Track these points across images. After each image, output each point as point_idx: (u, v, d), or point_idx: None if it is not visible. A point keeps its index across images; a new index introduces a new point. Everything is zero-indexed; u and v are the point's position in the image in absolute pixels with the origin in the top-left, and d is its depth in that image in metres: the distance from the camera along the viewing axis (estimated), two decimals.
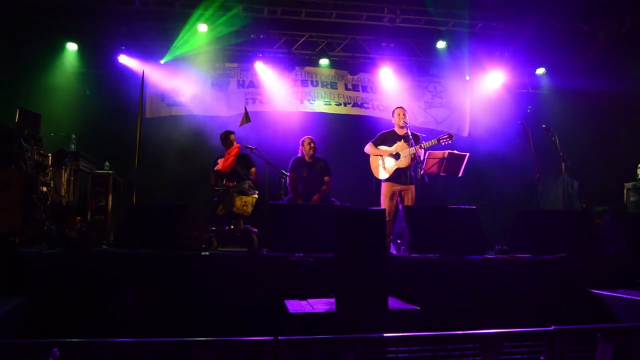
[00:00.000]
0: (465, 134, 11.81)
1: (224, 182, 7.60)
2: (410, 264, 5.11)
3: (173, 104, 10.87)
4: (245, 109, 8.55)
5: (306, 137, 8.55)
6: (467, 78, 11.82)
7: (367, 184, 8.47)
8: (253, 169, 8.08)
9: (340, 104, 11.44)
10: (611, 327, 3.21)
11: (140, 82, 8.90)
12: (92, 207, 7.78)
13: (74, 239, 5.88)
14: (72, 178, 7.52)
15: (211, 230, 7.32)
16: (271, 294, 4.52)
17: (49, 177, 6.95)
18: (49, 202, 6.72)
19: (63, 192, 7.31)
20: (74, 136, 8.13)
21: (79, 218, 7.12)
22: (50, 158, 7.01)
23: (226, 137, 8.14)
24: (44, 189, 6.65)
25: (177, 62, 10.72)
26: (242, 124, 8.15)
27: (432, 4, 10.17)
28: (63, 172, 7.37)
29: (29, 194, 5.72)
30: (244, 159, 8.08)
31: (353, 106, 11.50)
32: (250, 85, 11.24)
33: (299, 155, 8.50)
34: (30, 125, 6.62)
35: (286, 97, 11.26)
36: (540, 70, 11.71)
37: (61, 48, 10.39)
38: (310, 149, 8.38)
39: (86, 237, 5.94)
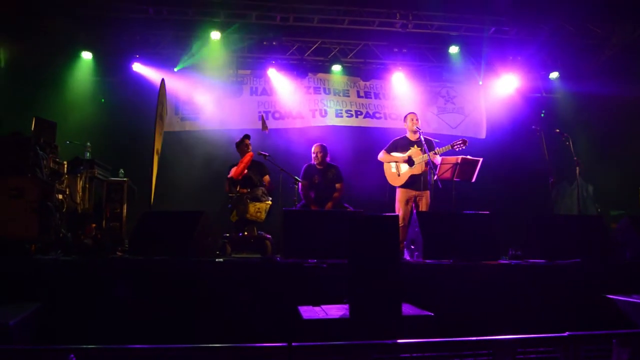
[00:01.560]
0: (483, 136, 11.78)
1: (238, 189, 7.63)
2: (424, 270, 5.09)
3: (186, 118, 10.90)
4: (262, 117, 8.61)
5: (317, 144, 8.58)
6: (480, 83, 11.79)
7: (380, 190, 8.48)
8: (267, 177, 8.09)
9: (351, 115, 11.42)
10: (627, 333, 3.20)
11: (153, 90, 8.99)
12: (107, 215, 7.83)
13: (89, 245, 5.92)
14: (87, 185, 7.59)
15: (225, 237, 7.35)
16: (285, 300, 4.53)
17: (65, 184, 7.02)
18: (64, 210, 6.79)
19: (78, 200, 7.38)
20: (89, 144, 8.19)
21: (94, 225, 7.18)
22: (65, 166, 7.08)
23: (241, 141, 8.16)
24: (60, 196, 6.72)
25: (190, 69, 10.79)
26: (263, 128, 8.22)
27: (444, 9, 10.19)
28: (78, 179, 7.44)
29: (45, 202, 5.77)
30: (258, 167, 8.10)
31: (365, 117, 11.46)
32: (263, 93, 11.27)
33: (312, 162, 8.54)
34: (46, 134, 6.69)
35: (299, 108, 11.28)
36: (554, 75, 11.62)
37: (76, 57, 10.48)
38: (322, 155, 8.40)
39: (101, 244, 5.98)
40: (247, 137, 8.20)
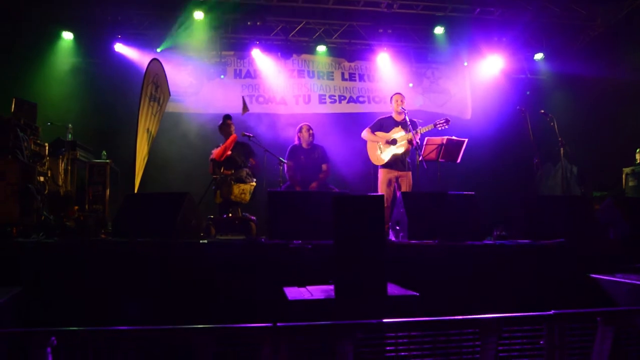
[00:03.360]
0: (468, 116, 11.83)
1: (222, 170, 7.58)
2: (409, 250, 5.10)
3: (169, 100, 10.74)
4: (243, 98, 8.53)
5: (304, 124, 8.56)
6: (465, 64, 11.80)
7: (365, 171, 8.47)
8: (252, 160, 7.99)
9: (335, 101, 11.45)
10: (611, 311, 3.21)
11: (136, 70, 8.89)
12: (90, 197, 7.76)
13: (71, 228, 5.87)
14: (69, 167, 7.51)
15: (209, 219, 7.31)
16: (270, 281, 4.51)
17: (46, 166, 6.93)
18: (46, 192, 6.70)
19: (60, 182, 7.30)
20: (70, 125, 8.09)
21: (76, 207, 7.10)
22: (47, 148, 6.99)
23: (223, 122, 8.08)
24: (41, 178, 6.63)
25: (172, 50, 10.66)
26: (244, 112, 8.15)
27: None
28: (60, 161, 7.36)
29: (26, 184, 5.70)
30: (242, 148, 8.02)
31: (348, 102, 11.51)
32: (247, 76, 11.22)
33: (296, 143, 8.49)
34: (26, 115, 6.58)
35: (283, 93, 11.29)
36: (539, 56, 11.67)
37: (57, 37, 10.31)
38: (309, 135, 8.39)
39: (84, 226, 5.92)
40: (227, 117, 8.11)
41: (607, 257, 5.24)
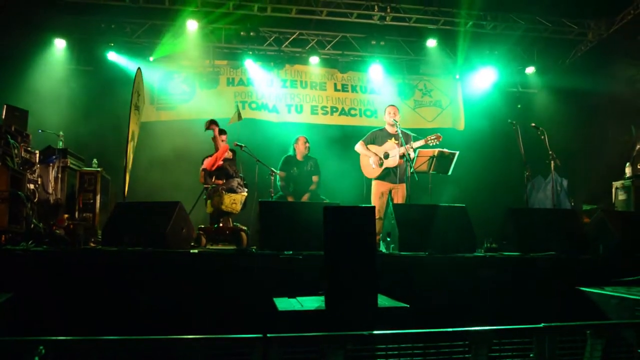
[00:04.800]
0: (462, 127, 11.86)
1: (214, 180, 7.56)
2: (400, 262, 5.10)
3: (162, 108, 10.76)
4: (237, 106, 8.51)
5: (301, 136, 8.59)
6: (457, 77, 11.87)
7: (357, 182, 8.48)
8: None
9: (327, 112, 11.46)
10: (600, 324, 3.22)
11: (129, 79, 8.87)
12: (80, 205, 7.73)
13: (61, 236, 5.84)
14: (59, 175, 7.47)
15: (200, 229, 7.28)
16: (260, 291, 4.50)
17: (37, 174, 6.91)
18: (36, 200, 6.68)
19: (51, 190, 7.26)
20: (61, 133, 8.06)
21: (66, 215, 7.07)
22: (37, 155, 6.96)
23: (215, 135, 7.98)
24: (32, 186, 6.61)
25: (166, 59, 10.66)
26: (231, 121, 8.12)
27: (422, 2, 10.21)
28: (51, 169, 7.33)
29: (16, 191, 5.67)
30: (232, 158, 7.99)
31: (340, 114, 11.50)
32: (240, 83, 11.20)
33: (291, 153, 8.52)
34: (17, 122, 6.57)
35: (275, 102, 11.28)
36: (530, 69, 11.73)
37: (49, 44, 10.27)
38: (305, 148, 8.46)
39: (74, 234, 5.89)
40: (222, 132, 8.01)
41: (596, 270, 5.27)
